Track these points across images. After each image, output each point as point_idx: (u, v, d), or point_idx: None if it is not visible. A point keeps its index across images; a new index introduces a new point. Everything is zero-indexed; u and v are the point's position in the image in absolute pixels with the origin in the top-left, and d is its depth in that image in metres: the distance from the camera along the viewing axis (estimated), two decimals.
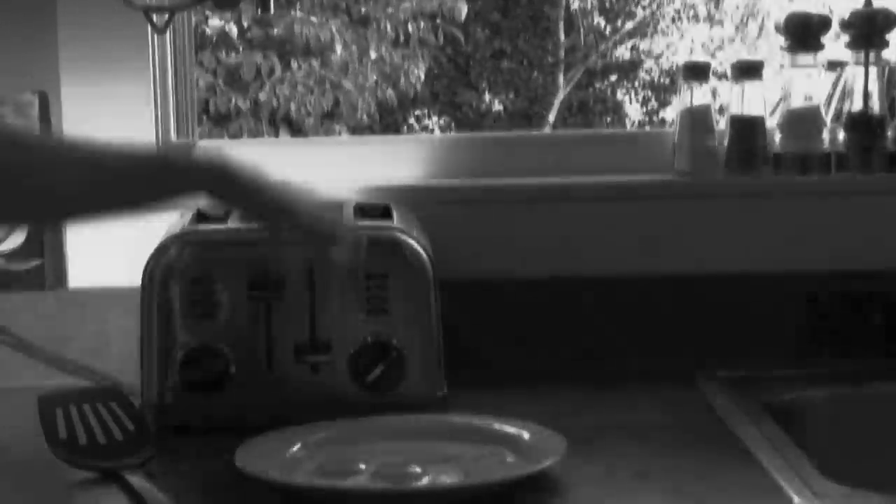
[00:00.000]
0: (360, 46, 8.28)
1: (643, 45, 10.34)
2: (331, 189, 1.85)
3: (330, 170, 1.92)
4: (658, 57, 10.31)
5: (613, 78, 10.42)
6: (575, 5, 10.05)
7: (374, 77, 8.26)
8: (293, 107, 7.85)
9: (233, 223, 1.68)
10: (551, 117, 9.83)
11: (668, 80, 9.91)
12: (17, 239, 1.86)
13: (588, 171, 1.95)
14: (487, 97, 10.11)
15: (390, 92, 8.35)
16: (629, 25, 10.22)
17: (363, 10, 8.43)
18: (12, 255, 1.87)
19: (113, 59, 1.84)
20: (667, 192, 1.91)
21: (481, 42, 9.93)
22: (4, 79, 1.85)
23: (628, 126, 10.14)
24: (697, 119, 1.91)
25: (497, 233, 1.89)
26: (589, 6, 10.04)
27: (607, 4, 10.10)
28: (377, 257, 1.60)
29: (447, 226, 1.86)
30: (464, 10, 8.59)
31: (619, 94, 10.46)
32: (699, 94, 1.91)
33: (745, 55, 9.67)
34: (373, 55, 8.32)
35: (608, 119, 10.32)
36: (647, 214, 1.91)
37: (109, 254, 1.86)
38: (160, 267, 1.58)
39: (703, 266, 1.90)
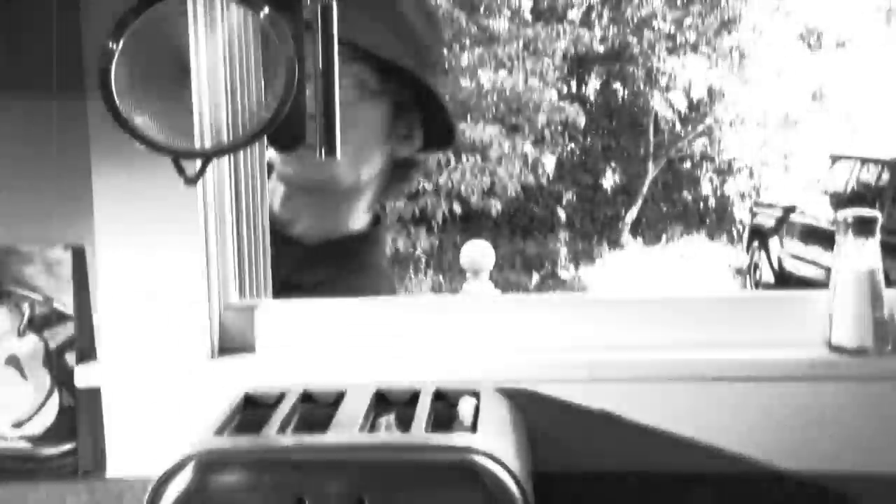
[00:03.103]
0: (511, 145, 12.08)
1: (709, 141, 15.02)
2: (412, 371, 1.52)
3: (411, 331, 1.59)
4: (720, 152, 14.84)
5: (688, 165, 15.03)
6: (661, 113, 14.55)
7: (519, 166, 12.05)
8: (462, 187, 11.51)
9: (268, 433, 1.33)
10: (644, 190, 14.36)
11: (726, 165, 14.75)
12: (46, 418, 1.57)
13: (721, 342, 1.58)
14: (605, 177, 14.73)
15: (531, 177, 12.30)
16: (700, 128, 14.62)
17: (514, 120, 12.33)
18: (41, 437, 1.58)
19: (156, 210, 1.54)
20: (824, 372, 1.53)
21: (595, 140, 14.64)
22: (36, 233, 1.57)
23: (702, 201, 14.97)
24: (864, 284, 1.53)
25: (604, 418, 1.53)
26: (670, 115, 14.55)
27: (682, 114, 14.61)
28: (452, 486, 1.26)
29: (548, 410, 1.51)
30: (582, 120, 12.64)
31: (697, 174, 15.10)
32: (868, 253, 1.54)
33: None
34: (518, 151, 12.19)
35: (687, 194, 14.94)
36: (795, 399, 1.53)
37: (153, 437, 1.55)
38: (165, 496, 1.25)
39: (865, 465, 1.52)
